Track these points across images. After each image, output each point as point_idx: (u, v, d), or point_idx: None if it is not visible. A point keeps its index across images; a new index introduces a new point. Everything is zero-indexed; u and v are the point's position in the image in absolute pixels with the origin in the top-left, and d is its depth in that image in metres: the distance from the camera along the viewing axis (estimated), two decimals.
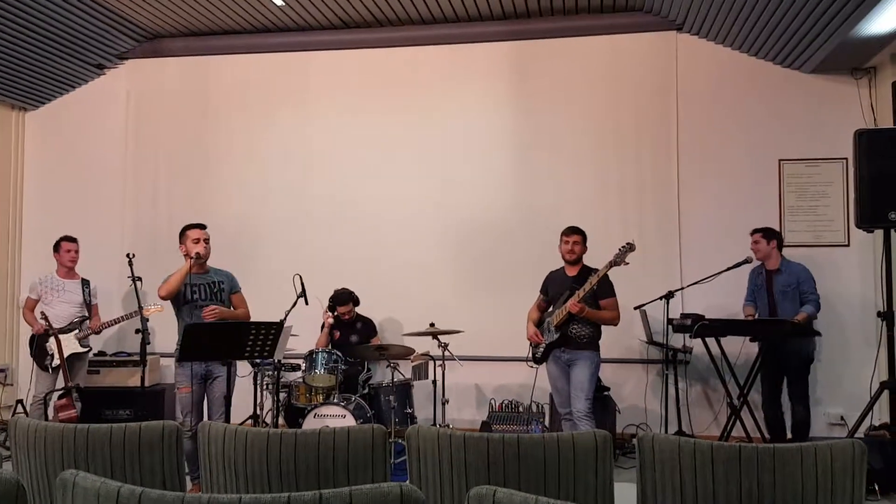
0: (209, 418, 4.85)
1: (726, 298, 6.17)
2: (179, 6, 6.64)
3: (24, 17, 6.16)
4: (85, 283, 6.30)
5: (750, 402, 5.66)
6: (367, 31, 7.15)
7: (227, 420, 4.55)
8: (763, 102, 6.58)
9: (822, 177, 6.47)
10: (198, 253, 4.77)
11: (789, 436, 5.65)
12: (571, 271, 5.02)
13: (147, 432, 2.56)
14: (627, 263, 4.73)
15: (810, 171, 6.49)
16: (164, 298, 4.78)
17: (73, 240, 6.27)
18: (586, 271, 4.95)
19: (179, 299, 4.84)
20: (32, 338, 6.05)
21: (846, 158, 6.23)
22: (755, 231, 5.81)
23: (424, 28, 7.05)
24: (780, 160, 6.53)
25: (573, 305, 4.70)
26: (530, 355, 5.20)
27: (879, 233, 5.15)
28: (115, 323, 6.21)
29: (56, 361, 5.91)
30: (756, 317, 5.77)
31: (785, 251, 5.89)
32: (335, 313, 6.26)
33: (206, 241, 4.87)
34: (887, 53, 5.89)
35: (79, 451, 2.53)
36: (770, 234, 5.75)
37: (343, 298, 6.28)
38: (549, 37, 6.89)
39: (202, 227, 4.92)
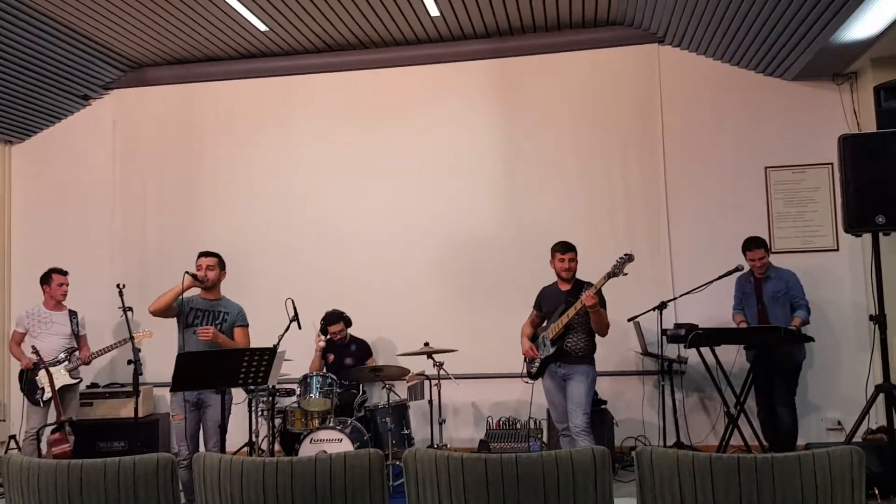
0: (205, 446, 4.81)
1: (719, 307, 6.18)
2: (163, 34, 6.66)
3: (7, 51, 6.16)
4: (72, 314, 6.26)
5: (747, 410, 5.66)
6: (351, 53, 7.18)
7: (223, 449, 4.51)
8: (747, 111, 6.64)
9: (808, 182, 6.52)
10: (194, 275, 4.78)
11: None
12: (565, 286, 5.01)
13: (142, 465, 2.53)
14: (626, 274, 4.70)
15: (797, 177, 6.53)
16: (153, 314, 4.73)
17: (64, 273, 6.25)
18: (579, 285, 4.94)
19: (181, 321, 4.83)
20: (22, 372, 6.00)
21: (831, 163, 6.28)
22: (754, 247, 5.69)
23: (408, 49, 7.09)
24: (766, 167, 6.57)
25: (588, 298, 4.63)
26: (525, 371, 5.18)
27: (868, 236, 5.17)
28: (105, 352, 6.17)
29: (48, 395, 5.86)
30: (746, 324, 5.78)
31: (774, 258, 5.91)
32: (327, 336, 6.23)
33: (210, 267, 4.89)
34: (867, 58, 5.96)
35: (73, 487, 2.50)
36: (766, 245, 5.77)
37: (333, 318, 6.27)
38: (532, 53, 6.94)
39: (210, 255, 4.96)
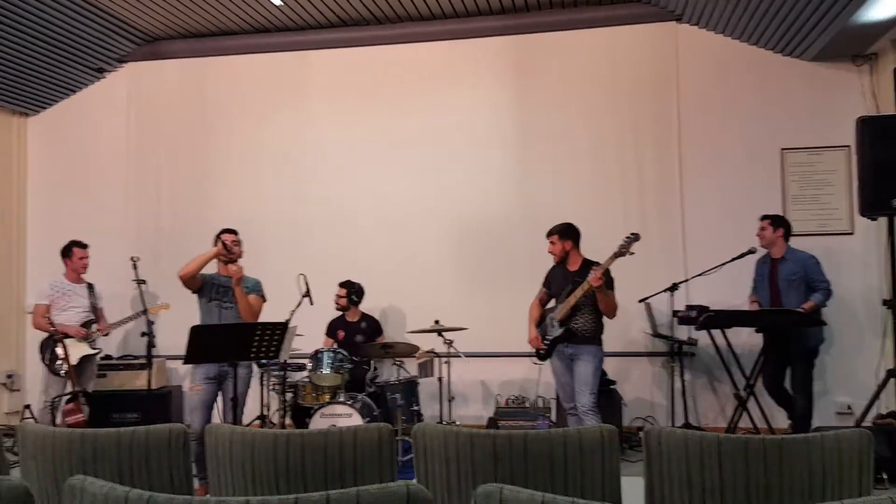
0: (223, 418, 4.87)
1: (731, 290, 6.15)
2: (178, 8, 6.64)
3: (23, 23, 6.17)
4: (90, 286, 6.31)
5: (756, 392, 5.65)
6: (366, 28, 7.14)
7: (236, 421, 4.56)
8: (764, 91, 6.56)
9: (824, 165, 6.45)
10: (224, 243, 4.84)
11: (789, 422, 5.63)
12: (573, 266, 5.00)
13: (154, 436, 2.57)
14: (633, 253, 4.68)
15: (813, 159, 6.47)
16: (181, 278, 4.76)
17: (84, 246, 6.28)
18: (587, 265, 4.92)
19: (204, 295, 4.89)
20: (44, 343, 6.05)
21: (849, 146, 6.20)
22: (764, 217, 5.71)
23: (422, 24, 7.04)
24: (782, 149, 6.51)
25: (595, 279, 4.62)
26: (534, 350, 5.19)
27: (884, 220, 5.13)
28: (122, 324, 6.23)
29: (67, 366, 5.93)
30: (759, 306, 5.73)
31: (789, 240, 5.86)
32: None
33: (235, 242, 4.96)
34: (888, 40, 5.86)
35: (87, 456, 2.54)
36: (778, 222, 5.65)
37: (343, 283, 6.38)
38: (547, 30, 6.88)
39: (234, 231, 5.04)
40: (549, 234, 5.04)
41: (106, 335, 6.25)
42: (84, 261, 6.25)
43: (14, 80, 6.91)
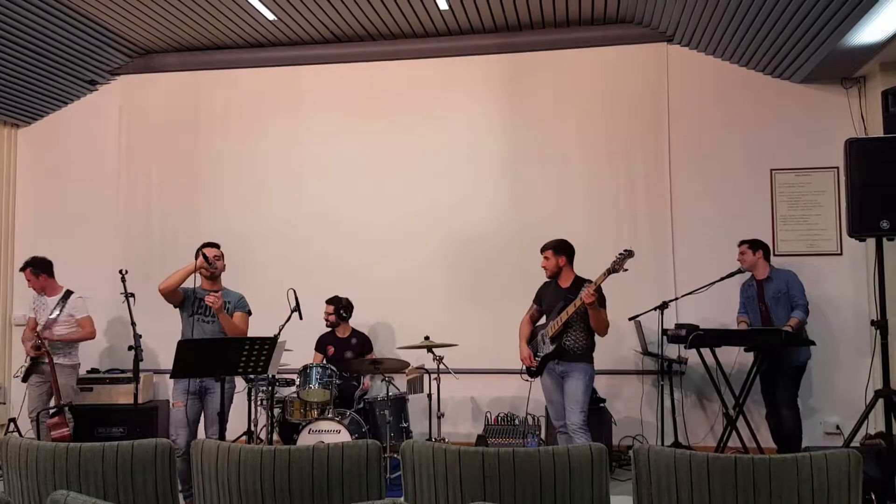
0: (205, 433, 4.82)
1: (721, 309, 6.18)
2: (171, 22, 6.65)
3: (16, 34, 6.17)
4: (66, 293, 6.22)
5: (745, 411, 5.66)
6: (359, 45, 7.17)
7: (221, 437, 4.52)
8: (754, 112, 6.62)
9: (813, 186, 6.50)
10: (205, 256, 4.80)
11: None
12: (565, 283, 5.00)
13: (139, 451, 2.54)
14: (626, 270, 4.67)
15: (802, 180, 6.52)
16: (161, 292, 4.73)
17: (22, 269, 6.24)
18: (579, 282, 4.93)
19: (186, 309, 4.86)
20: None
21: (837, 167, 6.26)
22: (742, 242, 5.88)
23: (416, 42, 7.08)
24: (771, 170, 6.56)
25: (588, 295, 4.60)
26: (524, 368, 5.17)
27: (871, 241, 5.17)
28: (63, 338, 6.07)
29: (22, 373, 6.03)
30: (748, 326, 5.79)
31: (777, 260, 5.91)
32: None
33: (217, 257, 4.93)
34: (876, 63, 5.93)
35: (71, 470, 2.51)
36: (756, 245, 5.82)
37: (331, 300, 6.36)
38: (540, 49, 6.93)
39: (215, 245, 5.00)
40: (544, 248, 5.03)
41: (41, 344, 5.94)
42: (29, 283, 6.21)
43: (5, 91, 6.89)
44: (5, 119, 7.41)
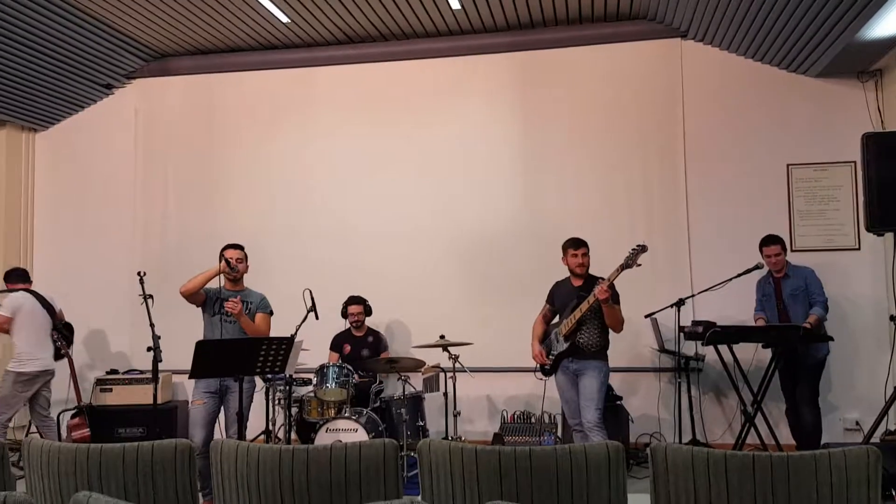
0: (225, 433, 4.86)
1: (738, 305, 6.14)
2: (186, 25, 6.70)
3: (32, 40, 6.23)
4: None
5: (763, 408, 5.62)
6: (371, 45, 7.19)
7: (241, 436, 4.55)
8: (770, 107, 6.57)
9: (830, 181, 6.44)
10: (228, 260, 4.83)
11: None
12: (577, 281, 4.98)
13: (159, 451, 2.57)
14: (640, 265, 4.64)
15: (819, 175, 6.46)
16: (183, 294, 4.77)
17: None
18: (592, 280, 4.91)
19: (208, 310, 4.89)
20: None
21: (854, 162, 6.21)
22: (770, 243, 5.67)
23: (428, 41, 7.08)
24: (788, 165, 6.51)
25: (601, 291, 4.58)
26: (538, 366, 5.16)
27: (890, 236, 5.12)
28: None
29: None
30: (765, 323, 5.74)
31: (795, 256, 5.86)
32: (346, 317, 6.34)
33: (239, 259, 4.94)
34: (893, 56, 5.88)
35: (92, 471, 2.54)
36: (783, 242, 5.72)
37: (355, 300, 6.40)
38: (553, 47, 6.91)
39: (238, 247, 5.02)
40: (581, 244, 4.98)
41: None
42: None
43: (23, 96, 6.97)
44: (23, 124, 7.49)
